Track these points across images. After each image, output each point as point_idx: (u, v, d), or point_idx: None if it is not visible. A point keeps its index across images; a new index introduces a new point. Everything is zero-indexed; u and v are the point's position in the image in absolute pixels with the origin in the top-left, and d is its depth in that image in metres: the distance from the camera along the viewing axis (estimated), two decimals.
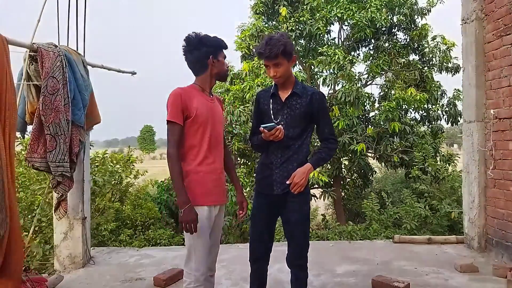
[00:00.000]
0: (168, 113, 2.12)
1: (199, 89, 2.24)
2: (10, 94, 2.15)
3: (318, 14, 8.22)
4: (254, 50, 2.36)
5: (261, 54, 2.17)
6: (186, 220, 2.01)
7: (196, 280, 2.12)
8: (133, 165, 6.76)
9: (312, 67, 8.47)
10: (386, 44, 8.72)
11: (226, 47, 2.31)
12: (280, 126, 2.17)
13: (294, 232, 2.28)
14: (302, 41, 8.91)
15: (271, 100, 2.30)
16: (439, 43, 8.51)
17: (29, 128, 2.90)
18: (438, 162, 7.80)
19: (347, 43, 9.13)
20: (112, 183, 5.90)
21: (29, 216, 4.71)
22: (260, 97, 2.39)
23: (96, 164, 5.94)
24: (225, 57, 2.31)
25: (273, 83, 2.36)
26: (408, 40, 8.89)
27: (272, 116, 2.27)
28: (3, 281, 2.10)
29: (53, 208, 2.98)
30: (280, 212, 2.33)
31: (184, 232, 2.11)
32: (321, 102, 2.28)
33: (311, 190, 6.12)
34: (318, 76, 9.24)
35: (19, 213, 3.97)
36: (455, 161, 8.18)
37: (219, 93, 8.39)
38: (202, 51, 2.22)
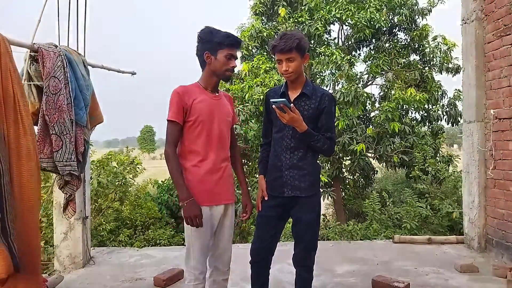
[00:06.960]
0: (169, 112, 2.08)
1: (200, 86, 2.18)
2: (21, 95, 1.96)
3: (317, 15, 8.22)
4: (269, 44, 2.30)
5: (275, 47, 2.11)
6: (189, 216, 1.99)
7: (196, 279, 2.12)
8: (138, 167, 6.76)
9: (312, 67, 8.46)
10: (387, 44, 8.70)
11: (231, 45, 2.11)
12: (292, 105, 2.06)
13: (304, 233, 2.24)
14: None
15: None
16: (439, 44, 8.49)
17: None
18: (438, 163, 7.79)
19: (348, 43, 9.13)
20: (116, 184, 5.91)
21: None
22: (269, 96, 2.32)
23: (102, 165, 5.96)
24: (231, 56, 2.13)
25: (283, 82, 2.29)
26: (408, 40, 8.87)
27: None
28: (24, 282, 2.04)
29: (62, 209, 2.97)
30: (289, 214, 2.30)
31: (185, 229, 2.12)
32: (328, 103, 2.21)
33: None
34: (318, 76, 9.24)
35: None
36: (454, 161, 8.16)
37: None
38: (200, 46, 2.16)
